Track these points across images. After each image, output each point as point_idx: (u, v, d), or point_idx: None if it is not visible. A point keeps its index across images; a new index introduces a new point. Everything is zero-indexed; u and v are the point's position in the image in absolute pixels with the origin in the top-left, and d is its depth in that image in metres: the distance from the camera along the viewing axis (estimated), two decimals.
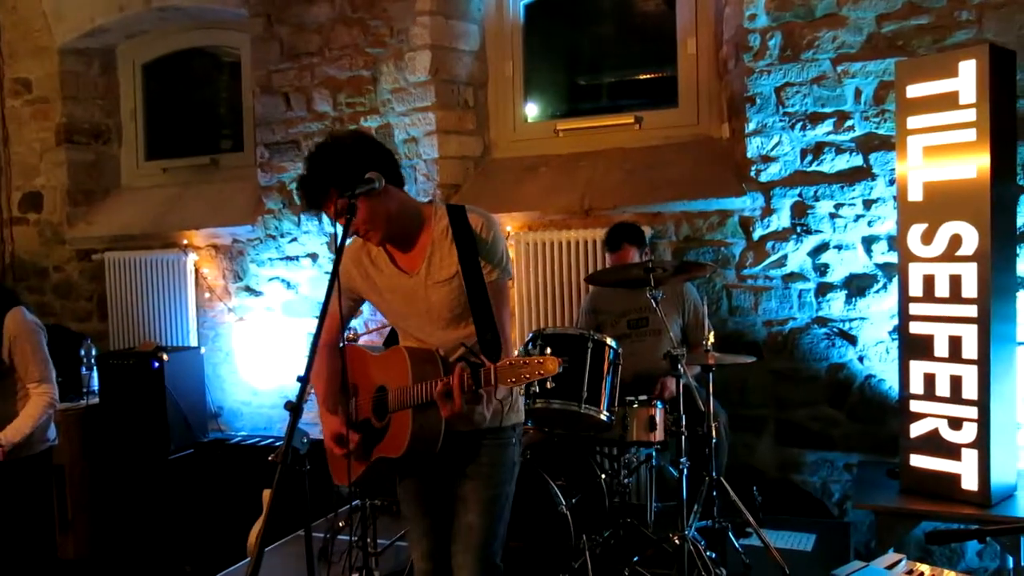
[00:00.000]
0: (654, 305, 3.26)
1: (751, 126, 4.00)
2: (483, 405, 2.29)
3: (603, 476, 3.46)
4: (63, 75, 5.75)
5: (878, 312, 3.89)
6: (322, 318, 1.98)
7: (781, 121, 3.96)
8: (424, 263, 2.32)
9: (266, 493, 3.96)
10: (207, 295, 5.39)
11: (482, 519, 2.33)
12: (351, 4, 4.80)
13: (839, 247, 3.93)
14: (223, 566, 3.82)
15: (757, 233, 4.07)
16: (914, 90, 3.21)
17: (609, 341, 3.26)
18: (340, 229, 2.08)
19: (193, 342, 5.37)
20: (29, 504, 3.34)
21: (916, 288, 3.25)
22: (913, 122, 3.22)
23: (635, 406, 3.37)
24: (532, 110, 4.90)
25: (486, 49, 4.86)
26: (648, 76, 4.74)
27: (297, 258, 5.09)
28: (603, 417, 3.19)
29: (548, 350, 2.02)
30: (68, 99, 5.77)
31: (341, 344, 2.51)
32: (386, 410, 2.33)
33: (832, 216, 3.93)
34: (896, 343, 3.69)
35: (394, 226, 2.29)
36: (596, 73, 4.97)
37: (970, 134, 3.07)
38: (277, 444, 4.73)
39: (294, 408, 1.88)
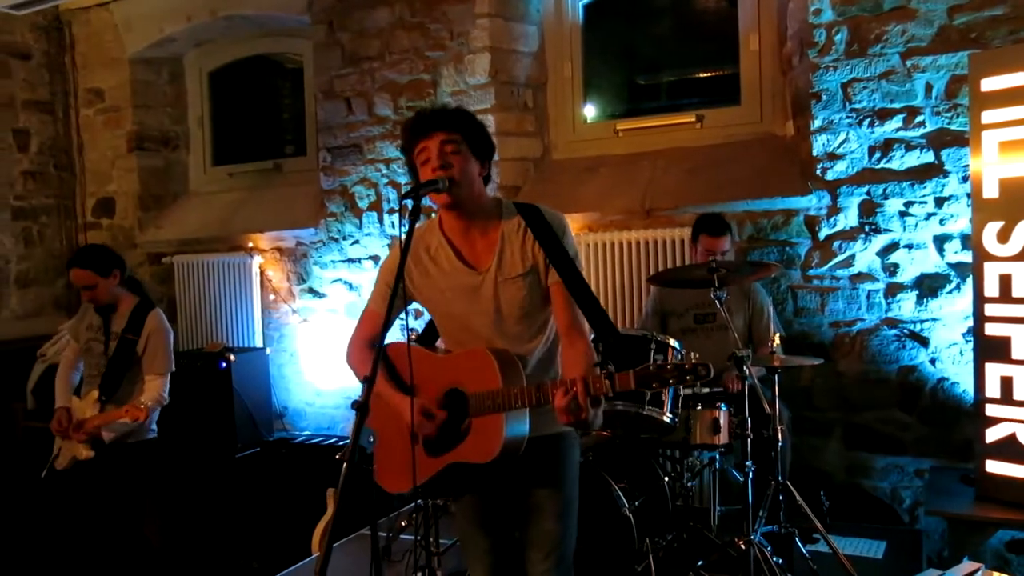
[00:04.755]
0: (719, 306, 3.22)
1: (817, 123, 3.92)
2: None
3: (666, 479, 3.42)
4: (134, 84, 5.93)
5: (951, 313, 3.77)
6: (388, 317, 2.10)
7: (848, 117, 3.87)
8: (495, 259, 2.22)
9: (330, 492, 4.02)
10: (272, 297, 5.49)
11: (560, 524, 2.27)
12: (411, 9, 4.84)
13: (909, 246, 3.83)
14: (288, 563, 3.89)
15: (823, 232, 3.98)
16: (989, 83, 3.12)
17: (672, 342, 3.22)
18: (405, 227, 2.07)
19: (259, 343, 5.49)
20: (129, 489, 3.66)
21: (992, 288, 3.16)
22: (988, 116, 3.13)
23: (699, 408, 3.33)
24: (591, 110, 4.88)
25: (545, 50, 4.86)
26: (709, 74, 4.68)
27: (359, 260, 5.16)
28: (666, 419, 3.16)
29: (691, 354, 1.95)
30: (139, 107, 5.95)
31: (385, 342, 2.36)
32: (466, 413, 2.20)
33: (902, 215, 3.82)
34: (970, 345, 3.58)
35: (471, 198, 2.20)
36: (656, 72, 4.93)
37: None
38: (340, 444, 4.79)
39: (360, 407, 1.89)
